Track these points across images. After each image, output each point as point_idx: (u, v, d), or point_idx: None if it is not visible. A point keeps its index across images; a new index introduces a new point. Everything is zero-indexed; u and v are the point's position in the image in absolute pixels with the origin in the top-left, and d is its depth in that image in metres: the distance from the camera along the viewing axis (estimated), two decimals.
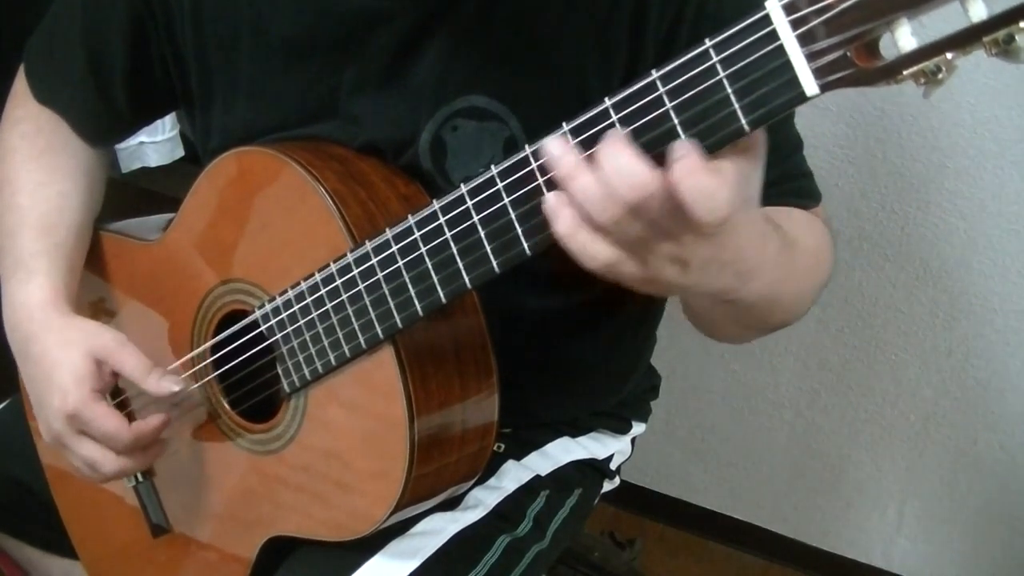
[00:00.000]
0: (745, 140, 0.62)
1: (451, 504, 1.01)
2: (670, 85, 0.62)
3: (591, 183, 0.63)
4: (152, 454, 1.01)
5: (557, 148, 0.65)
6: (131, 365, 0.97)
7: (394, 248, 0.80)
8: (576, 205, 0.64)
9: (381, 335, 0.84)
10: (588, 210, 0.63)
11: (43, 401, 0.99)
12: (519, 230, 0.72)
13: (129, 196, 1.71)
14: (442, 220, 0.77)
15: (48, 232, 1.04)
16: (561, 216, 0.65)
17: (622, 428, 1.22)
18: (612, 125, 0.65)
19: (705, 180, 0.60)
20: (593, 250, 0.65)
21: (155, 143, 1.70)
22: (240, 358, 0.97)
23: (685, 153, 0.60)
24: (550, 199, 0.66)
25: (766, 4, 0.58)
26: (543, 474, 1.12)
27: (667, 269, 0.66)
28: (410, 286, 0.81)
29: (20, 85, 1.13)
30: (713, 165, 0.60)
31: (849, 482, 1.80)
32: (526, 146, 0.70)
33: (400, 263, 0.80)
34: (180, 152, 1.74)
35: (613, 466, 1.21)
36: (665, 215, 0.62)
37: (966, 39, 0.52)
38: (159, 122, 1.67)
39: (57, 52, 1.08)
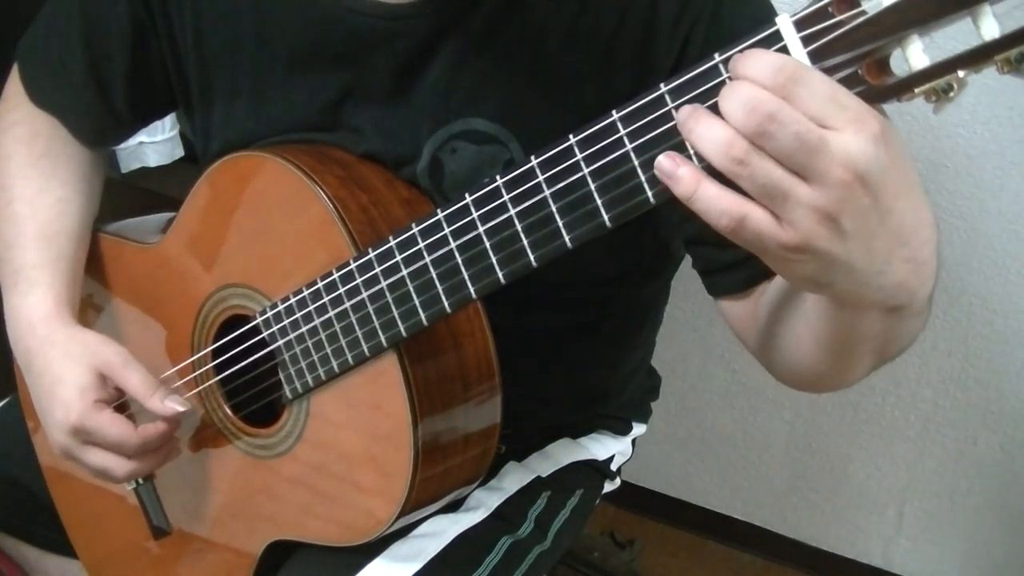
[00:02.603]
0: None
1: (453, 506, 1.01)
2: (680, 100, 0.62)
3: (715, 124, 0.58)
4: (163, 454, 1.00)
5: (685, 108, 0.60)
6: (135, 382, 0.96)
7: (398, 257, 0.80)
8: (701, 150, 0.59)
9: (385, 343, 0.84)
10: (712, 153, 0.58)
11: (48, 415, 0.99)
12: (525, 242, 0.72)
13: (129, 196, 1.71)
14: (447, 230, 0.76)
15: (49, 242, 1.03)
16: (681, 174, 0.60)
17: (623, 429, 1.22)
18: (620, 139, 0.65)
19: (812, 76, 0.56)
20: (722, 203, 0.59)
21: (155, 143, 1.69)
22: (242, 363, 0.97)
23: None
24: (663, 162, 0.61)
25: (776, 20, 0.57)
26: (544, 475, 1.12)
27: (816, 229, 0.58)
28: (414, 295, 0.80)
29: (13, 87, 1.11)
30: None
31: (849, 482, 1.79)
32: (532, 157, 0.69)
33: (404, 272, 0.80)
34: (180, 152, 1.73)
35: (614, 467, 1.22)
36: (789, 136, 0.56)
37: (978, 57, 0.52)
38: (159, 122, 1.66)
39: (54, 55, 1.07)
